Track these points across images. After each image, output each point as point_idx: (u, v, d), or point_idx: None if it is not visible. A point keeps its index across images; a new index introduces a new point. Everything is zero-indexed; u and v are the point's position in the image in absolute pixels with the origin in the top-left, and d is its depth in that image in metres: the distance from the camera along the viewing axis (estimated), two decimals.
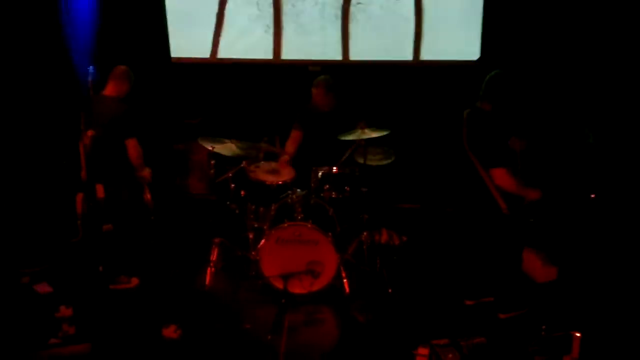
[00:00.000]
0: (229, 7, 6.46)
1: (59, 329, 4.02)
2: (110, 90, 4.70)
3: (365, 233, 5.04)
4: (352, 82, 6.21)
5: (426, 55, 6.47)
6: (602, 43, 5.59)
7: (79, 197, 5.66)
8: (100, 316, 4.29)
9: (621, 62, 5.44)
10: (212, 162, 5.23)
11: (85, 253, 4.78)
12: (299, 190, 4.96)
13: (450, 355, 3.63)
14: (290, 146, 5.41)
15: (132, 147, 4.65)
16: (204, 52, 6.60)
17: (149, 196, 4.73)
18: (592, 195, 4.71)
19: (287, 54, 6.54)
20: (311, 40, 6.50)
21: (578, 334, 3.63)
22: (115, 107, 4.63)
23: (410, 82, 6.54)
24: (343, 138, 5.00)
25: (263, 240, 4.63)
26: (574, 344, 3.63)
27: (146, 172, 4.83)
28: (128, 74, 4.76)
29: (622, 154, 5.18)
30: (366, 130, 4.94)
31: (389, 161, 5.31)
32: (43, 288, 4.71)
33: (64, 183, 5.55)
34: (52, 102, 5.86)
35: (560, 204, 4.85)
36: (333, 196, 4.99)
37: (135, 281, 4.84)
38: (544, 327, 3.91)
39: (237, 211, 5.15)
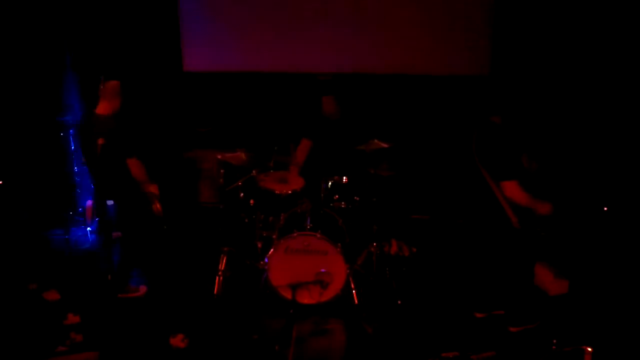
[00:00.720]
0: (239, 17, 6.50)
1: (66, 337, 4.02)
2: (102, 108, 4.55)
3: (374, 244, 5.02)
4: (362, 93, 6.21)
5: (438, 67, 6.46)
6: (613, 57, 5.56)
7: (89, 204, 5.70)
8: (108, 324, 4.29)
9: (634, 75, 5.40)
10: (222, 170, 5.24)
11: (94, 261, 4.78)
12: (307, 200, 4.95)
13: None
14: (300, 155, 5.40)
15: (133, 165, 4.54)
16: (216, 63, 6.63)
17: (158, 206, 4.69)
18: (605, 209, 4.67)
19: (297, 63, 6.56)
20: (323, 50, 6.52)
21: (589, 349, 3.58)
22: (109, 126, 4.49)
23: (422, 94, 6.53)
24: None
25: (272, 250, 4.62)
26: (585, 359, 3.59)
27: (152, 188, 4.71)
28: (119, 89, 4.58)
29: (634, 167, 5.13)
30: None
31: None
32: (51, 295, 4.71)
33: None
34: (63, 110, 5.91)
35: (572, 217, 4.81)
36: (342, 206, 4.98)
37: (143, 289, 4.84)
38: (554, 341, 3.88)
39: (246, 220, 5.14)
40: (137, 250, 4.85)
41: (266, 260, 4.62)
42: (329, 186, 5.02)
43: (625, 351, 3.91)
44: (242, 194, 5.10)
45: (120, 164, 4.52)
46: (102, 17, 6.30)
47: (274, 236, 4.79)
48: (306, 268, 4.55)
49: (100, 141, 4.39)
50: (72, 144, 6.06)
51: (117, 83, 4.57)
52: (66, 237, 5.54)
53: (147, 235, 4.86)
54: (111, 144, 4.44)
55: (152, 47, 6.49)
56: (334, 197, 5.00)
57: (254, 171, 5.08)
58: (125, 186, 4.59)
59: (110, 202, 4.93)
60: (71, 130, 6.02)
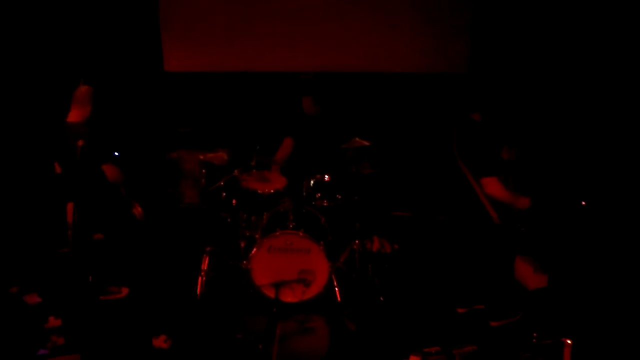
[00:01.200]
0: (220, 18, 6.49)
1: (48, 340, 3.98)
2: (72, 116, 4.49)
3: (357, 241, 5.04)
4: (343, 91, 6.23)
5: (418, 65, 6.50)
6: (588, 51, 5.64)
7: (70, 206, 5.65)
8: (89, 327, 4.26)
9: (610, 70, 5.48)
10: (204, 171, 5.23)
11: (76, 263, 4.74)
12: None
13: None
14: (282, 154, 5.41)
15: (109, 171, 4.49)
16: (197, 63, 6.62)
17: (139, 209, 4.66)
18: (583, 203, 4.73)
19: (279, 63, 6.57)
20: (304, 49, 6.53)
21: (569, 341, 3.63)
22: (80, 134, 4.39)
23: (403, 92, 6.57)
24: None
25: (255, 249, 4.62)
26: (565, 351, 3.64)
27: (137, 211, 4.68)
28: (90, 96, 4.48)
29: (612, 161, 5.21)
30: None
31: None
32: (32, 299, 4.67)
33: (55, 193, 5.53)
34: (42, 113, 5.86)
35: (550, 212, 4.87)
36: (325, 204, 4.99)
37: (125, 291, 4.82)
38: (535, 334, 3.92)
39: (228, 220, 5.14)
40: (118, 252, 4.83)
41: (249, 259, 4.62)
42: (311, 185, 5.03)
43: (604, 343, 3.97)
44: (224, 194, 5.10)
45: (96, 169, 4.50)
46: (82, 17, 6.26)
47: (256, 235, 4.80)
48: (289, 267, 4.57)
49: (80, 143, 4.35)
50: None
51: (88, 89, 4.49)
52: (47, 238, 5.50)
53: (128, 238, 4.82)
54: (86, 149, 4.39)
55: (133, 48, 6.46)
56: (316, 196, 5.02)
57: (236, 171, 5.07)
58: (103, 190, 4.56)
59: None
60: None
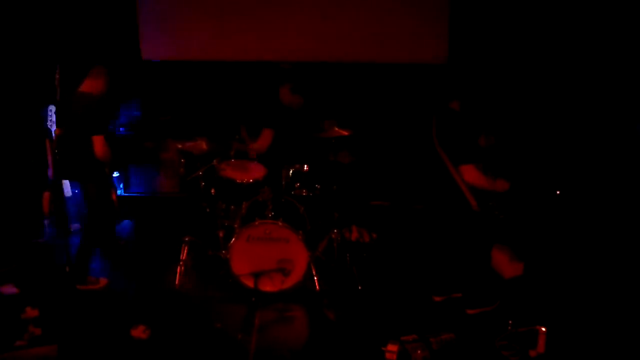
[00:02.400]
0: (198, 5, 6.44)
1: (25, 331, 3.95)
2: (85, 86, 4.68)
3: (335, 230, 5.06)
4: (322, 81, 6.23)
5: (397, 55, 6.52)
6: (565, 41, 5.72)
7: (46, 196, 5.60)
8: (67, 317, 4.23)
9: (585, 59, 5.57)
10: (183, 160, 5.20)
11: (52, 253, 4.70)
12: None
13: (419, 351, 3.68)
14: (262, 143, 5.39)
15: (99, 143, 4.54)
16: (175, 51, 6.56)
17: (114, 196, 4.67)
18: (557, 192, 4.81)
19: (259, 51, 6.54)
20: (283, 38, 6.51)
21: (543, 329, 3.71)
22: (88, 103, 4.57)
23: (381, 82, 6.59)
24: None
25: (233, 239, 4.62)
26: (539, 338, 3.71)
27: (114, 196, 4.76)
28: (102, 72, 4.73)
29: (587, 151, 5.29)
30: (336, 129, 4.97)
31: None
32: (8, 289, 4.62)
33: (31, 182, 5.47)
34: (16, 100, 5.77)
35: (525, 201, 4.93)
36: (304, 194, 5.00)
37: (103, 282, 4.79)
38: (510, 322, 4.00)
39: (207, 209, 5.12)
40: (96, 239, 4.80)
41: (228, 249, 4.63)
42: (290, 174, 5.03)
43: (578, 330, 4.05)
44: (203, 184, 5.08)
45: (83, 147, 4.53)
46: (61, 6, 6.17)
47: (235, 225, 4.80)
48: (268, 256, 4.58)
49: (57, 131, 4.35)
50: None
51: (101, 66, 4.75)
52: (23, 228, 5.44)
53: (104, 225, 4.80)
54: (81, 123, 4.51)
55: (110, 35, 6.39)
56: (295, 185, 5.02)
57: (214, 160, 5.05)
58: (85, 171, 4.58)
59: (67, 194, 4.86)
60: None
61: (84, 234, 4.81)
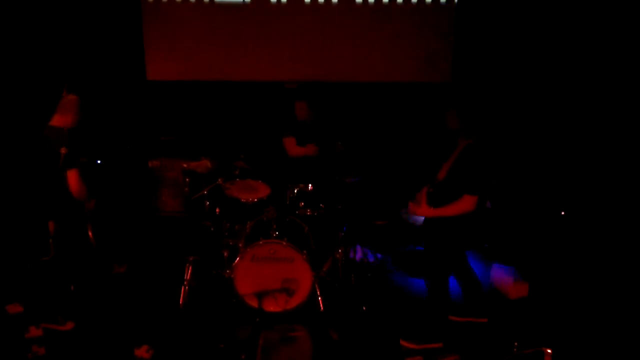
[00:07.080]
0: (202, 27, 6.51)
1: (28, 350, 3.95)
2: (55, 121, 4.39)
3: (340, 250, 5.06)
4: (328, 100, 6.27)
5: (401, 75, 6.57)
6: (566, 58, 5.80)
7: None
8: (71, 337, 4.23)
9: (587, 78, 5.63)
10: (187, 179, 5.22)
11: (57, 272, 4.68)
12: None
13: None
14: (293, 149, 5.42)
15: (72, 178, 4.26)
16: (179, 72, 6.63)
17: (90, 234, 4.53)
18: (562, 213, 4.81)
19: (262, 72, 6.60)
20: (287, 59, 6.56)
21: (549, 350, 3.68)
22: (57, 138, 4.29)
23: (385, 101, 6.63)
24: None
25: (238, 258, 4.62)
26: None
27: (90, 204, 4.46)
28: (72, 103, 4.40)
29: (591, 172, 5.30)
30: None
31: None
32: (14, 308, 4.62)
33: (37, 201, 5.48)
34: (24, 120, 5.83)
35: (530, 222, 4.93)
36: (308, 213, 5.01)
37: (70, 325, 4.44)
38: (516, 343, 3.97)
39: (212, 229, 5.14)
40: (100, 262, 4.70)
41: (232, 268, 4.62)
42: (295, 193, 5.05)
43: (583, 352, 4.02)
44: (207, 203, 5.09)
45: (60, 183, 4.31)
46: (68, 27, 6.26)
47: (240, 244, 4.79)
48: (272, 276, 4.57)
49: (63, 150, 4.30)
50: None
51: (75, 98, 4.43)
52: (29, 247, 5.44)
53: (77, 262, 4.59)
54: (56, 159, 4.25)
55: (116, 56, 6.47)
56: (300, 205, 5.03)
57: (219, 179, 5.07)
58: (63, 207, 4.39)
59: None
60: None
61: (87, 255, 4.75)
